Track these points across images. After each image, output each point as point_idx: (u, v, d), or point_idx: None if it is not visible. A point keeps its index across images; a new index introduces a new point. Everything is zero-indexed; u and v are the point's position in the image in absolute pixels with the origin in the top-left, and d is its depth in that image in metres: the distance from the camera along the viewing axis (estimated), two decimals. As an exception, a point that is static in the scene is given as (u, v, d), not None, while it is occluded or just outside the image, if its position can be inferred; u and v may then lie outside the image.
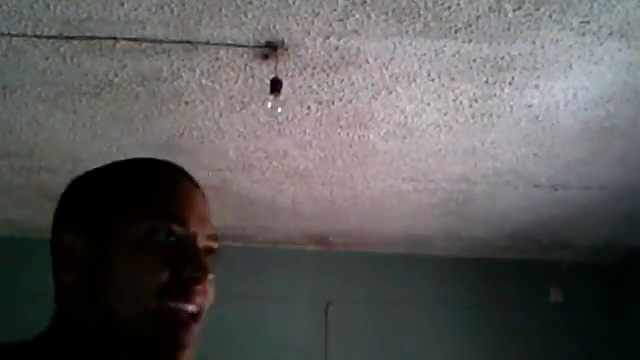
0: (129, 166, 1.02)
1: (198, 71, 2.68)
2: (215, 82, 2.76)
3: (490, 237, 4.36)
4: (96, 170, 1.02)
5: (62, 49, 2.55)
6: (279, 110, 2.79)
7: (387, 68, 2.66)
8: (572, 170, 3.48)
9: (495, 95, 2.84)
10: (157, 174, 1.00)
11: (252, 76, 2.71)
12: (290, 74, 2.68)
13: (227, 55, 2.59)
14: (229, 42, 2.51)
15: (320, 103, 2.90)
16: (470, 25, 2.41)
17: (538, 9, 2.33)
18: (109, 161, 1.03)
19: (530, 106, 2.91)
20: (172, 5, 2.33)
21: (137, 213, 0.94)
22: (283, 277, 4.50)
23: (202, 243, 0.96)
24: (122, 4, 2.32)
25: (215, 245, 0.99)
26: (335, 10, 2.34)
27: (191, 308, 0.93)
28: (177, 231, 0.94)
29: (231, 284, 4.16)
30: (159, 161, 1.03)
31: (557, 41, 2.49)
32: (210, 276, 0.95)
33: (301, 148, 3.28)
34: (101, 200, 0.97)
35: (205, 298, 0.95)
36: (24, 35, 2.46)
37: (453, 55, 2.58)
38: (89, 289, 0.93)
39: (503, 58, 2.60)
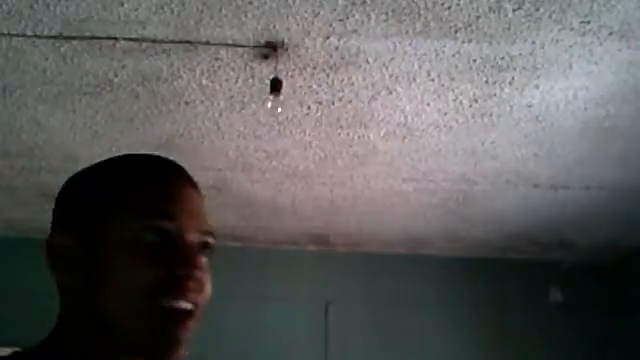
0: (118, 164, 1.00)
1: (198, 71, 2.68)
2: (215, 82, 2.75)
3: (490, 237, 4.35)
4: (86, 170, 1.01)
5: (62, 49, 2.55)
6: (279, 110, 2.79)
7: (387, 68, 2.66)
8: (572, 170, 3.48)
9: (495, 95, 2.84)
10: (146, 171, 0.98)
11: (252, 76, 2.71)
12: (290, 74, 2.68)
13: (227, 55, 2.59)
14: (229, 42, 2.51)
15: (320, 103, 2.90)
16: (470, 25, 2.41)
17: (538, 9, 2.33)
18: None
19: (530, 106, 2.91)
20: (172, 5, 2.33)
21: (124, 212, 0.93)
22: (283, 277, 4.49)
23: (195, 239, 0.94)
24: (122, 4, 2.32)
25: (210, 240, 0.97)
26: (335, 10, 2.34)
27: (185, 305, 0.92)
28: (166, 229, 0.93)
29: (231, 284, 4.16)
30: (149, 157, 1.01)
31: (557, 41, 2.49)
32: (202, 272, 0.93)
33: (301, 148, 3.28)
34: (89, 200, 0.96)
35: (200, 294, 0.93)
36: (24, 35, 2.46)
37: (453, 55, 2.58)
38: (83, 291, 0.93)
39: (503, 58, 2.60)
